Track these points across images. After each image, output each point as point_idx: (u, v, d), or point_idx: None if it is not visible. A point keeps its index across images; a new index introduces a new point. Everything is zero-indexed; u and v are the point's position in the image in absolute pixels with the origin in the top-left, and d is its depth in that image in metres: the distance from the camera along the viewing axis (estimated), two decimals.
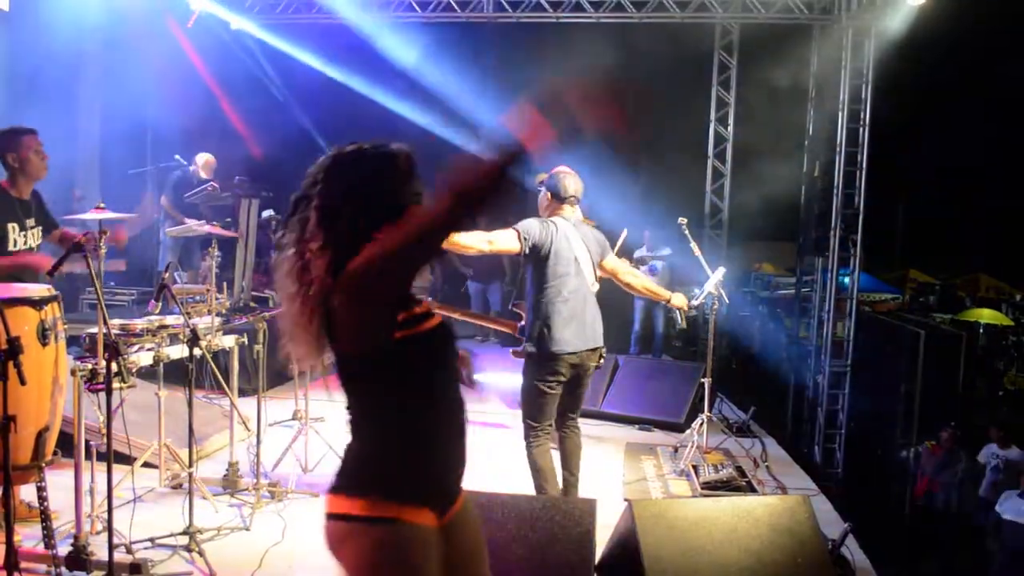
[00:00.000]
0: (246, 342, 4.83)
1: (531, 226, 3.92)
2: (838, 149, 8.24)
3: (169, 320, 4.30)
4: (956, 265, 19.31)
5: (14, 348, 2.63)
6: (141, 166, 9.52)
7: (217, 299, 4.63)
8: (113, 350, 3.17)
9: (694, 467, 5.27)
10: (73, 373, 3.50)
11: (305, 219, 1.81)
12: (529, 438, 3.97)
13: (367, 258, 1.70)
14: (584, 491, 4.23)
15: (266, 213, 7.27)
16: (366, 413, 1.83)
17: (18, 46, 7.71)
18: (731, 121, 9.93)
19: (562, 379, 3.92)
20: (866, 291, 14.21)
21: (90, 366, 3.51)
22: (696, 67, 10.26)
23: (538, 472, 3.96)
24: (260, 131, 10.27)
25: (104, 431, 3.26)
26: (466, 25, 9.10)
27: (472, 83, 11.17)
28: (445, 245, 3.82)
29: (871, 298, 15.61)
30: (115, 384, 3.25)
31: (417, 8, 8.78)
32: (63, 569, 3.29)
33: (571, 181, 4.06)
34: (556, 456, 4.13)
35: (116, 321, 4.13)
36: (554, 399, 3.95)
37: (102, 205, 3.74)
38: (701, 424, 5.47)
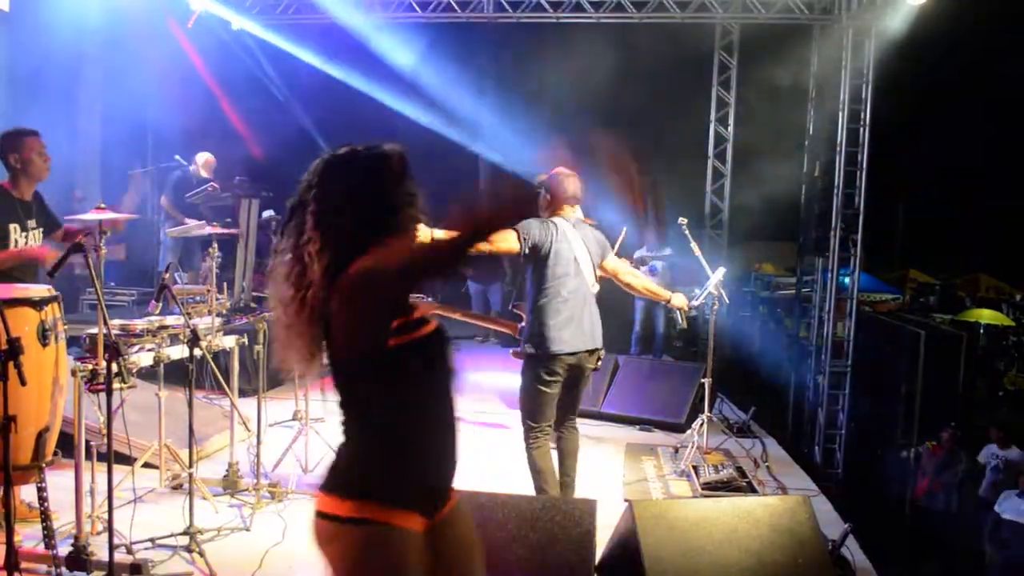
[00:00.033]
0: (246, 342, 4.83)
1: (531, 226, 3.92)
2: (838, 149, 8.24)
3: (169, 320, 4.30)
4: (956, 265, 19.29)
5: (14, 348, 2.63)
6: (142, 167, 9.54)
7: (217, 299, 4.63)
8: (113, 350, 3.18)
9: (694, 467, 5.27)
10: (73, 373, 3.50)
11: (302, 224, 1.82)
12: (529, 439, 3.97)
13: (368, 268, 1.71)
14: (584, 491, 4.23)
15: (266, 213, 7.26)
16: (358, 415, 1.84)
17: (18, 47, 7.71)
18: (731, 121, 9.93)
19: (560, 379, 3.92)
20: (866, 291, 14.19)
21: (90, 366, 3.52)
22: (696, 67, 10.26)
23: (538, 473, 3.96)
24: (260, 131, 10.28)
25: (104, 431, 3.27)
26: (466, 25, 9.10)
27: (472, 83, 11.19)
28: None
29: (871, 298, 15.59)
30: (115, 384, 3.25)
31: (417, 8, 8.77)
32: (63, 569, 3.29)
33: (571, 182, 4.07)
34: (556, 456, 4.13)
35: (116, 321, 4.14)
36: (553, 399, 3.95)
37: (103, 205, 3.74)
38: (701, 424, 5.47)
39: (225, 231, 5.29)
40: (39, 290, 3.41)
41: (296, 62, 10.19)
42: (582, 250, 4.00)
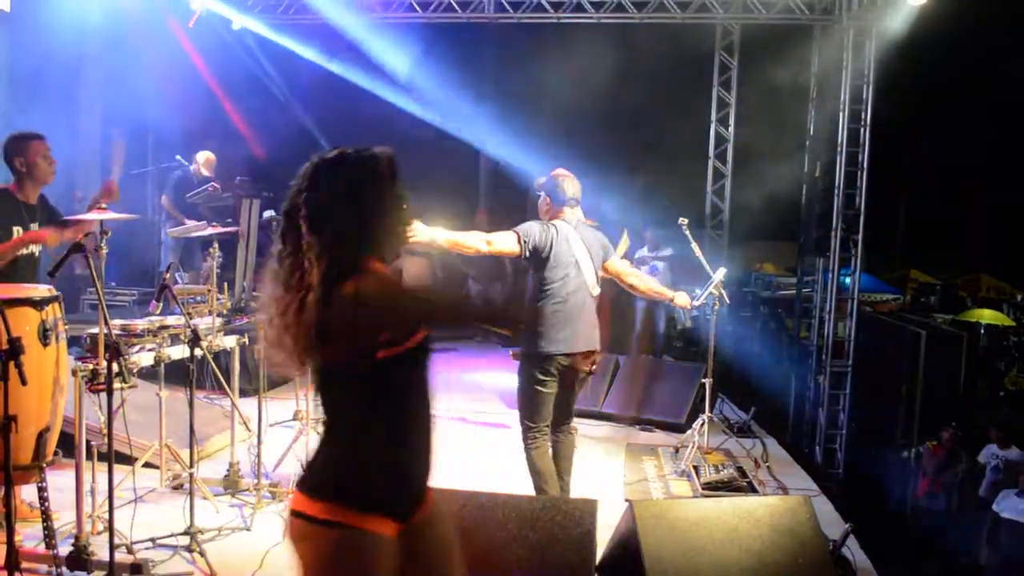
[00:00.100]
0: (247, 342, 4.84)
1: (531, 229, 3.93)
2: (839, 149, 8.23)
3: (170, 320, 4.31)
4: (957, 265, 19.27)
5: (15, 348, 2.64)
6: (143, 167, 9.54)
7: (218, 299, 4.64)
8: (114, 350, 3.18)
9: (695, 467, 5.27)
10: (74, 373, 3.50)
11: (296, 228, 1.83)
12: (527, 439, 3.98)
13: (381, 297, 1.76)
14: (585, 491, 4.23)
15: (267, 213, 7.28)
16: (339, 418, 1.86)
17: (19, 47, 7.71)
18: (732, 121, 9.93)
19: (555, 379, 3.93)
20: (867, 291, 14.18)
21: (91, 366, 3.52)
22: (697, 67, 10.27)
23: (538, 473, 3.97)
24: (261, 131, 10.29)
25: (105, 431, 3.27)
26: (467, 26, 9.10)
27: (472, 83, 11.19)
28: (447, 247, 3.85)
29: (872, 298, 15.58)
30: (116, 384, 3.25)
31: (418, 8, 8.77)
32: (64, 569, 3.29)
33: (569, 184, 4.07)
34: None
35: (117, 321, 4.14)
36: (549, 399, 3.96)
37: (103, 205, 3.75)
38: (702, 424, 5.47)
39: (226, 231, 5.29)
40: (40, 290, 3.42)
41: (297, 62, 10.20)
42: (583, 252, 4.00)
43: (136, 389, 3.59)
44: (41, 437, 3.30)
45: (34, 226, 4.11)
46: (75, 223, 4.10)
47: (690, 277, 7.35)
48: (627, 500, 4.29)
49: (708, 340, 5.74)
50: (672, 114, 11.08)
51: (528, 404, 3.98)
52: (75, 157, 8.75)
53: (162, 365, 4.25)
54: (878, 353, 9.61)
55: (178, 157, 8.43)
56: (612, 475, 5.44)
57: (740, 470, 5.37)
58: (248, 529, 4.07)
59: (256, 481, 4.40)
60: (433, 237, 3.60)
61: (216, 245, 4.72)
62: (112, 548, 3.18)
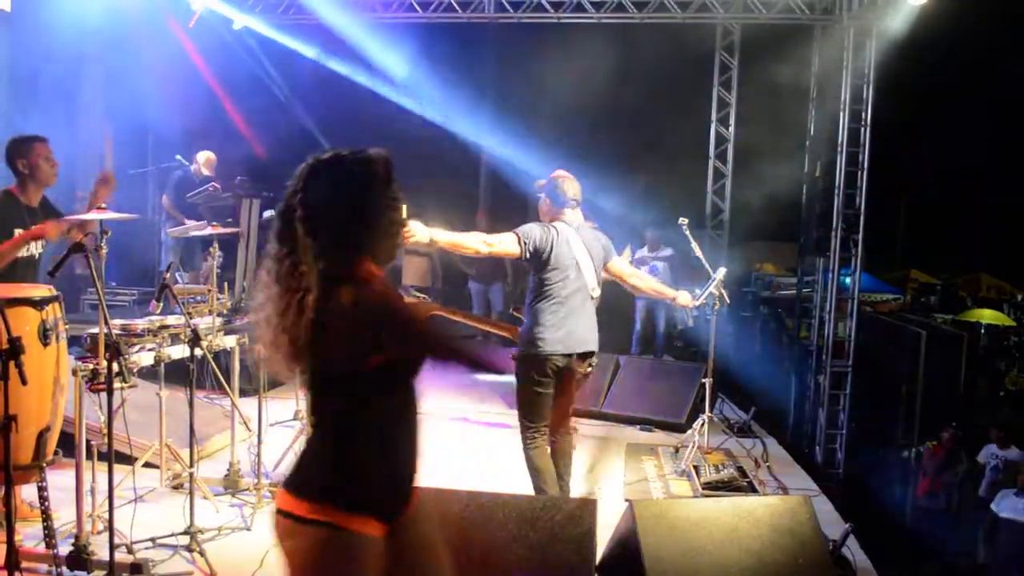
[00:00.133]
0: (247, 342, 4.83)
1: (532, 231, 3.93)
2: (839, 149, 8.23)
3: (170, 320, 4.31)
4: (957, 265, 19.26)
5: (15, 348, 2.64)
6: (143, 167, 9.54)
7: (218, 299, 4.64)
8: (114, 350, 3.18)
9: (695, 467, 5.27)
10: (74, 373, 3.50)
11: (292, 229, 1.83)
12: (526, 439, 3.98)
13: (368, 316, 1.76)
14: (585, 491, 4.23)
15: (267, 213, 7.27)
16: (329, 419, 1.87)
17: (20, 47, 7.71)
18: (732, 121, 9.92)
19: (552, 380, 3.93)
20: (867, 291, 14.17)
21: (91, 366, 3.52)
22: (697, 67, 10.27)
23: (537, 473, 3.97)
24: (262, 131, 10.29)
25: (105, 431, 3.27)
26: (467, 26, 9.10)
27: (473, 83, 11.18)
28: (446, 247, 3.84)
29: (872, 298, 15.57)
30: (116, 384, 3.26)
31: (418, 8, 8.78)
32: (64, 569, 3.29)
33: (569, 185, 4.07)
34: None
35: (117, 321, 4.14)
36: (547, 399, 3.96)
37: (103, 205, 3.74)
38: (702, 424, 5.47)
39: (226, 231, 5.29)
40: (40, 290, 3.42)
41: (297, 62, 10.20)
42: (583, 254, 3.99)
43: (136, 389, 3.59)
44: (41, 437, 3.31)
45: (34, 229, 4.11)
46: (77, 223, 4.10)
47: (690, 277, 7.35)
48: (627, 500, 4.29)
49: (708, 340, 5.74)
50: (672, 114, 11.07)
51: (526, 404, 3.98)
52: (75, 157, 8.75)
53: (162, 365, 4.25)
54: (878, 353, 9.61)
55: (178, 157, 8.43)
56: (612, 475, 5.44)
57: (740, 470, 5.37)
58: (248, 529, 4.07)
59: (256, 481, 4.40)
60: (432, 238, 3.60)
61: (216, 245, 4.72)
62: (112, 548, 3.18)
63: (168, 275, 3.99)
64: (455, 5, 8.72)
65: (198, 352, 3.82)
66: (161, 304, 4.12)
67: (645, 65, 10.33)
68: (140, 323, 4.23)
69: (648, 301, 9.16)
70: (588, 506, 3.36)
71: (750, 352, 10.96)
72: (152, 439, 4.51)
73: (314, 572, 1.81)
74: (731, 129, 9.93)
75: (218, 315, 4.64)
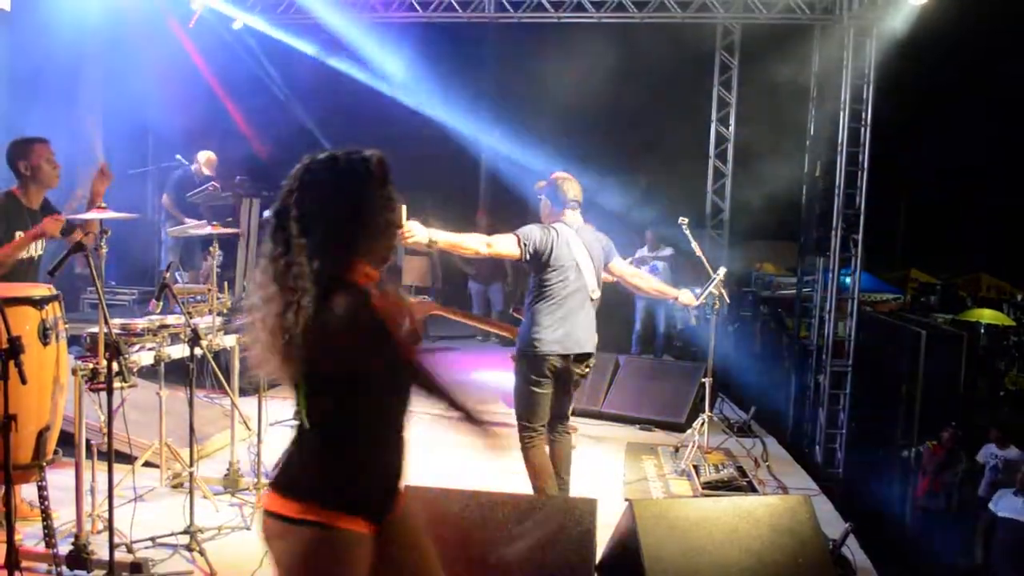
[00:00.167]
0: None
1: (532, 232, 3.93)
2: (839, 149, 8.23)
3: (170, 320, 4.31)
4: (957, 265, 19.26)
5: (15, 347, 2.63)
6: (143, 166, 9.54)
7: (218, 299, 4.64)
8: (114, 349, 3.18)
9: (695, 467, 5.27)
10: (74, 372, 3.50)
11: (287, 229, 1.82)
12: (524, 439, 3.98)
13: (360, 330, 1.76)
14: (584, 491, 4.23)
15: (267, 213, 7.25)
16: (317, 422, 1.86)
17: (19, 47, 7.71)
18: (732, 121, 9.93)
19: (549, 380, 3.94)
20: (867, 291, 14.16)
21: (91, 365, 3.52)
22: (697, 67, 10.27)
23: (536, 472, 3.97)
24: (261, 131, 10.29)
25: (105, 430, 3.27)
26: (467, 25, 9.10)
27: (472, 83, 11.18)
28: (445, 248, 3.84)
29: (872, 298, 15.56)
30: (116, 383, 3.26)
31: (418, 8, 8.77)
32: (64, 568, 3.29)
33: (570, 186, 4.06)
34: None
35: (117, 321, 4.14)
36: (545, 398, 3.96)
37: (103, 205, 3.74)
38: (702, 424, 5.47)
39: (226, 231, 5.29)
40: (40, 289, 3.42)
41: (297, 61, 10.19)
42: (583, 255, 3.99)
43: (136, 388, 3.59)
44: (41, 436, 3.31)
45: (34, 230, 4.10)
46: (79, 223, 4.10)
47: (690, 277, 7.35)
48: (627, 499, 4.29)
49: (707, 340, 5.74)
50: (672, 114, 11.08)
51: (524, 404, 3.99)
52: (75, 157, 8.75)
53: (162, 364, 4.25)
54: (878, 353, 9.61)
55: (178, 156, 8.43)
56: (612, 474, 5.44)
57: (740, 469, 5.37)
58: (248, 528, 4.07)
59: (256, 480, 4.40)
60: (432, 238, 3.60)
61: (216, 244, 4.72)
62: (112, 547, 3.18)
63: (168, 274, 3.99)
64: (455, 5, 8.72)
65: (198, 351, 3.82)
66: (161, 303, 4.12)
67: (645, 65, 10.33)
68: (140, 322, 4.23)
69: (648, 301, 9.16)
70: (588, 506, 3.36)
71: (750, 352, 10.96)
72: (152, 438, 4.51)
73: (306, 572, 1.80)
74: (731, 129, 9.93)
75: (218, 314, 4.64)
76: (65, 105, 8.39)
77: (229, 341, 4.76)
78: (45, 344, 3.29)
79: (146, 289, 8.51)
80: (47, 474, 3.39)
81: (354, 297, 1.78)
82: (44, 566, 3.41)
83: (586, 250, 4.01)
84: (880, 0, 7.91)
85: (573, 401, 4.27)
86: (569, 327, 3.92)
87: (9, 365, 2.62)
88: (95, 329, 3.65)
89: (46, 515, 3.36)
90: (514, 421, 4.06)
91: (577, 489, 4.23)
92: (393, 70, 10.18)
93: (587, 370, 4.09)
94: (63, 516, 3.78)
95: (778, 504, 3.46)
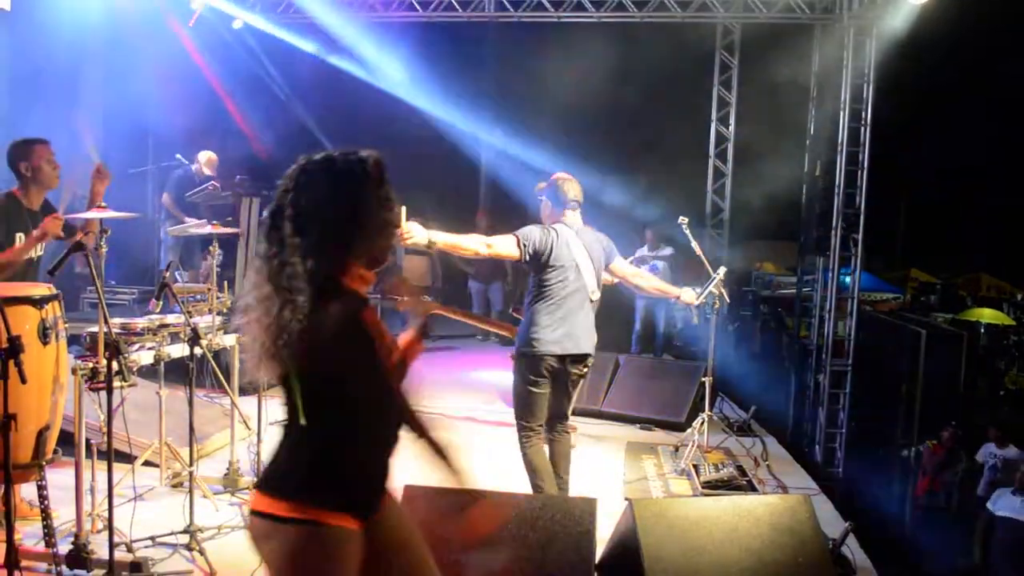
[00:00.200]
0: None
1: (531, 233, 3.93)
2: (839, 148, 8.23)
3: (170, 319, 4.31)
4: (957, 264, 19.27)
5: (15, 347, 2.63)
6: (143, 166, 9.53)
7: (218, 298, 4.63)
8: (114, 349, 3.18)
9: (695, 466, 5.27)
10: (74, 372, 3.50)
11: (282, 229, 1.82)
12: (522, 438, 3.99)
13: (349, 339, 1.77)
14: (584, 490, 4.23)
15: (266, 212, 7.26)
16: (307, 419, 1.86)
17: (20, 46, 7.71)
18: (732, 121, 9.93)
19: (547, 380, 3.94)
20: (867, 290, 14.16)
21: (91, 365, 3.52)
22: (697, 66, 10.27)
23: (534, 472, 3.97)
24: (262, 130, 10.28)
25: (105, 430, 3.27)
26: (467, 25, 9.09)
27: (472, 83, 11.18)
28: (445, 249, 3.84)
29: (872, 297, 15.56)
30: (116, 383, 3.26)
31: (418, 7, 8.77)
32: (64, 567, 3.29)
33: (570, 187, 4.06)
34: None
35: (117, 320, 4.14)
36: (543, 398, 3.96)
37: (103, 204, 3.74)
38: (702, 423, 5.47)
39: (226, 230, 5.29)
40: (40, 288, 3.42)
41: (297, 61, 10.19)
42: (583, 256, 3.99)
43: (136, 387, 3.59)
44: (41, 435, 3.31)
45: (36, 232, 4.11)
46: (80, 223, 4.10)
47: (690, 276, 7.35)
48: (627, 499, 4.29)
49: (707, 339, 5.74)
50: (672, 113, 11.08)
51: (521, 403, 3.99)
52: (75, 157, 8.74)
53: (162, 363, 4.25)
54: (878, 352, 9.61)
55: (178, 156, 8.44)
56: (612, 474, 5.44)
57: (740, 469, 5.37)
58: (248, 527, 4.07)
59: (256, 479, 4.39)
60: (431, 239, 3.59)
61: (216, 244, 4.72)
62: (112, 546, 3.19)
63: (168, 274, 3.98)
64: (455, 4, 8.72)
65: (198, 351, 3.82)
66: (161, 303, 4.12)
67: (645, 64, 10.33)
68: (140, 322, 4.23)
69: (648, 300, 9.16)
70: (588, 505, 3.36)
71: (750, 351, 10.96)
72: (152, 438, 4.51)
73: (296, 570, 1.80)
74: (731, 128, 9.94)
75: (218, 314, 4.64)
76: (65, 105, 8.38)
77: (229, 340, 4.76)
78: (45, 343, 3.29)
79: (146, 288, 8.51)
80: (47, 473, 3.39)
81: (347, 306, 1.79)
82: (44, 565, 3.41)
83: (586, 251, 4.01)
84: (880, 0, 7.91)
85: (573, 401, 4.27)
86: (568, 327, 3.92)
87: (9, 364, 2.62)
88: (95, 328, 3.64)
89: (46, 514, 3.36)
90: (511, 420, 4.06)
91: (577, 488, 4.23)
92: (393, 70, 10.17)
93: (585, 370, 4.09)
94: (63, 515, 3.78)
95: (778, 503, 3.46)
